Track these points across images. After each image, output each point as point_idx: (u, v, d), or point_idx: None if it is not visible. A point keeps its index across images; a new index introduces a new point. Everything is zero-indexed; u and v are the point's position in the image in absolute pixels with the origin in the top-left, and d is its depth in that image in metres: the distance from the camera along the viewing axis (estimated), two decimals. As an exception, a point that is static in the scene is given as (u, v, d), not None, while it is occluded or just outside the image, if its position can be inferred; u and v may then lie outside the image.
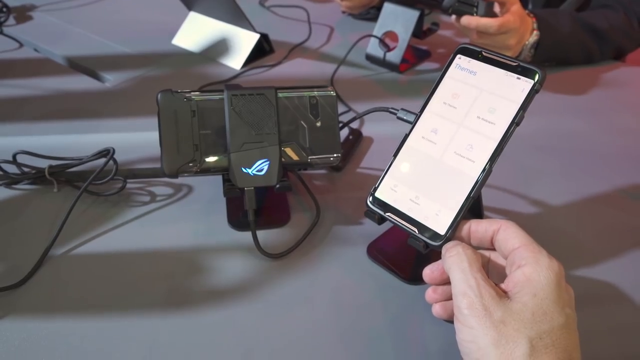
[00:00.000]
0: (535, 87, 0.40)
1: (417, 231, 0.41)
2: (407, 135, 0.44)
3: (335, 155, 0.51)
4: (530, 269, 0.34)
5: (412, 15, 0.83)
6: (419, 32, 0.85)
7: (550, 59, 0.84)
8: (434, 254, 0.49)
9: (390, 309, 0.45)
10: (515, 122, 0.40)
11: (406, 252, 0.49)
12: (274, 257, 0.49)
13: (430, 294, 0.41)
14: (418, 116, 0.44)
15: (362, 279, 0.48)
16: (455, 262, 0.37)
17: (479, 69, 0.43)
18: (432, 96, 0.44)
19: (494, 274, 0.39)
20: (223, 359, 0.41)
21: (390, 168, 0.44)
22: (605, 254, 0.51)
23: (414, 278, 0.47)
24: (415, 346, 0.42)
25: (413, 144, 0.44)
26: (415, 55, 0.89)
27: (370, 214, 0.44)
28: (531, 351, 0.32)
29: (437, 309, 0.41)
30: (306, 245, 0.51)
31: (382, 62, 0.86)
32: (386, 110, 0.49)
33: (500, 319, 0.33)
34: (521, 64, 0.41)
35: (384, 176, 0.44)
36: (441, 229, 0.40)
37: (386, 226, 0.48)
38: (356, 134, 0.67)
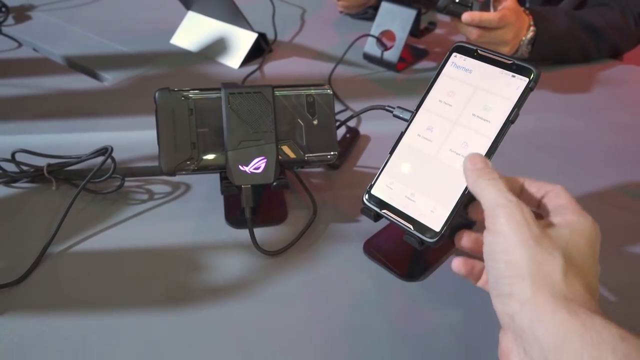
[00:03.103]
0: (530, 85, 0.40)
1: (412, 228, 0.41)
2: (403, 133, 0.45)
3: (332, 153, 0.52)
4: (574, 216, 0.34)
5: (409, 14, 0.83)
6: (416, 31, 0.86)
7: (547, 56, 0.84)
8: (430, 251, 0.49)
9: (386, 306, 0.45)
10: (510, 119, 0.40)
11: (402, 249, 0.49)
12: (271, 254, 0.49)
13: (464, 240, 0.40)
14: (414, 114, 0.45)
15: (358, 276, 0.48)
16: (490, 183, 0.36)
17: (475, 67, 0.43)
18: (427, 94, 0.44)
19: None
20: (220, 355, 0.41)
21: (386, 166, 0.44)
22: (603, 252, 0.51)
23: (410, 274, 0.48)
24: (412, 343, 0.42)
25: (409, 141, 0.44)
26: (412, 54, 0.90)
27: (366, 211, 0.45)
28: (566, 267, 0.31)
29: (457, 264, 0.39)
30: (303, 242, 0.51)
31: (379, 61, 0.86)
32: (382, 108, 0.49)
33: (538, 234, 0.32)
34: (516, 62, 0.41)
35: (380, 174, 0.44)
36: (436, 225, 0.40)
37: (382, 223, 0.49)
38: (353, 132, 0.67)
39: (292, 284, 0.47)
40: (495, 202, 0.34)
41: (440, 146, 0.42)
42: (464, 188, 0.40)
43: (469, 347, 0.42)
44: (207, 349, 0.41)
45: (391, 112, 0.47)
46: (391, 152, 0.44)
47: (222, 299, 0.45)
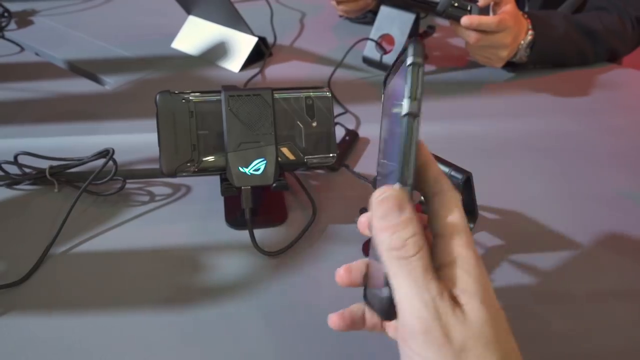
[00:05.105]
0: None
1: None
2: None
3: (331, 155, 0.52)
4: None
5: (408, 18, 0.84)
6: (415, 35, 0.86)
7: (545, 60, 0.85)
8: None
9: (385, 306, 0.46)
10: None
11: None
12: (271, 255, 0.50)
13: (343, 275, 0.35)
14: None
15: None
16: (405, 266, 0.27)
17: None
18: None
19: None
20: (221, 355, 0.41)
21: None
22: (601, 253, 0.52)
23: (409, 275, 0.48)
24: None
25: None
26: (411, 58, 0.90)
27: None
28: None
29: (335, 320, 0.35)
30: (303, 243, 0.52)
31: (378, 65, 0.87)
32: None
33: (461, 345, 0.26)
34: None
35: None
36: None
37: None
38: (352, 135, 0.67)
39: (292, 285, 0.48)
40: (409, 307, 0.27)
41: None
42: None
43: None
44: (208, 349, 0.42)
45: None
46: None
47: (222, 299, 0.46)
